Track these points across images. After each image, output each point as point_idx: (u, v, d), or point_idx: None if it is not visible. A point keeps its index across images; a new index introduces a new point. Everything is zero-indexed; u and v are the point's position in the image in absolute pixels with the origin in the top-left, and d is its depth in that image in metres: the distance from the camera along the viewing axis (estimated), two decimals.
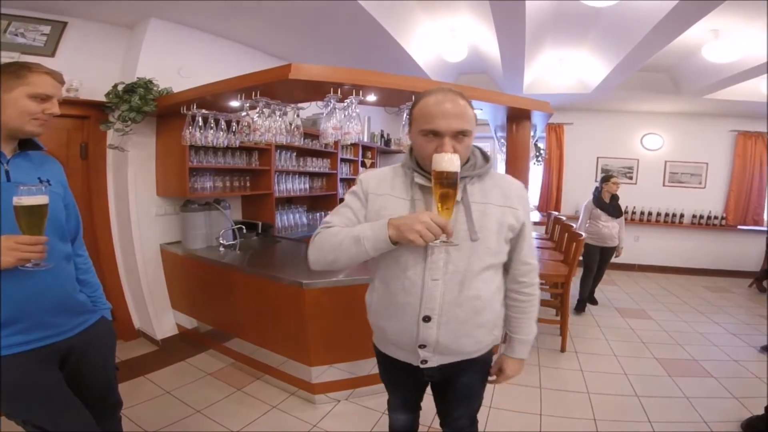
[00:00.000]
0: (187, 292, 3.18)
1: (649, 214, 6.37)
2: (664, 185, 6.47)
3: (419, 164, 1.19)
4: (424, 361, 1.24)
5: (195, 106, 2.62)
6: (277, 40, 3.84)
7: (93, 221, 3.10)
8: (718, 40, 3.63)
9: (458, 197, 1.11)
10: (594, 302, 4.56)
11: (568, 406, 2.56)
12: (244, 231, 3.21)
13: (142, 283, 3.13)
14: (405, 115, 2.34)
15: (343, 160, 5.26)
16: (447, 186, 1.04)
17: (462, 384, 1.34)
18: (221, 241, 3.04)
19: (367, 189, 1.23)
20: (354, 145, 5.49)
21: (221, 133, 2.69)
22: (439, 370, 1.26)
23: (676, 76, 5.13)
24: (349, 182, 5.46)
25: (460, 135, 1.09)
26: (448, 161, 1.03)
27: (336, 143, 4.42)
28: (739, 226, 6.10)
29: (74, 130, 2.99)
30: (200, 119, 2.66)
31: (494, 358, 1.40)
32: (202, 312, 3.13)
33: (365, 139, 5.79)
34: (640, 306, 4.68)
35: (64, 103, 2.72)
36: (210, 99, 2.55)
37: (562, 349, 3.36)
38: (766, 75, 4.13)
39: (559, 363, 3.17)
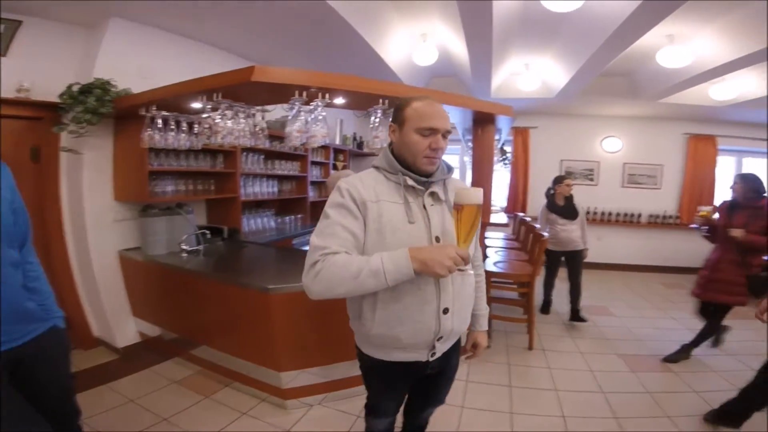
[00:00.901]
0: (148, 299, 3.08)
1: (609, 214, 6.64)
2: (622, 186, 6.76)
3: (405, 164, 1.27)
4: (434, 354, 1.33)
5: (155, 108, 2.55)
6: (247, 42, 3.80)
7: (45, 227, 2.95)
8: (672, 45, 3.80)
9: (442, 197, 1.29)
10: (582, 319, 4.04)
11: (537, 404, 2.62)
12: (208, 236, 3.12)
13: (100, 290, 3.01)
14: (377, 117, 2.34)
15: (313, 162, 5.22)
16: (474, 217, 1.14)
17: (452, 365, 1.49)
18: (183, 247, 2.95)
19: (362, 197, 1.21)
20: (325, 147, 5.46)
21: (183, 135, 2.62)
22: (440, 359, 1.37)
23: (634, 81, 5.38)
24: (319, 185, 5.41)
25: (447, 134, 1.26)
26: (477, 195, 1.14)
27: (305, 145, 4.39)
28: (691, 225, 6.40)
29: (25, 132, 2.83)
30: (160, 121, 2.57)
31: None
32: (165, 319, 3.04)
33: (337, 142, 5.78)
34: (602, 303, 4.86)
35: (14, 103, 2.62)
36: (171, 100, 2.48)
37: (530, 347, 3.45)
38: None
39: (527, 361, 3.25)
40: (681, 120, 6.40)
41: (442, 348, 1.34)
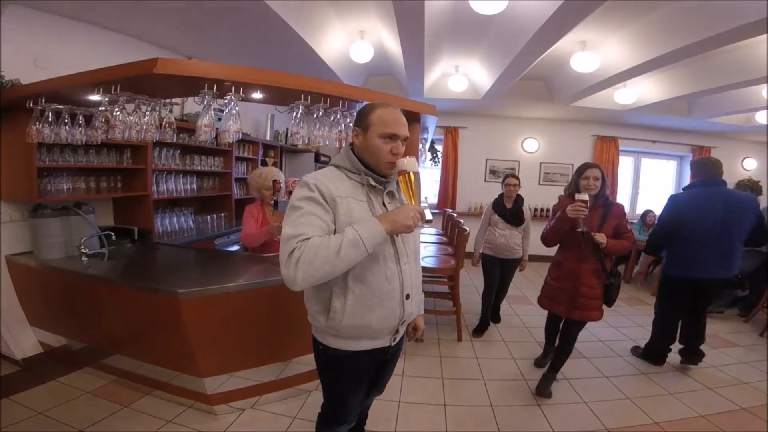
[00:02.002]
0: (47, 307, 2.77)
1: (528, 209, 7.07)
2: (539, 184, 7.29)
3: (366, 166, 1.36)
4: (395, 338, 1.46)
5: (43, 100, 2.28)
6: (174, 36, 3.63)
7: None
8: (584, 51, 4.10)
9: (396, 195, 1.42)
10: (497, 320, 4.09)
11: (467, 395, 2.71)
12: (114, 238, 2.83)
13: None
14: (298, 113, 2.26)
15: (239, 158, 4.96)
16: (415, 181, 1.31)
17: (400, 350, 1.59)
18: (83, 250, 2.64)
19: (332, 193, 1.27)
20: (253, 143, 5.22)
21: (79, 129, 2.35)
22: (397, 343, 1.50)
23: (551, 85, 5.79)
24: (245, 182, 5.14)
25: (405, 140, 1.37)
26: (414, 163, 1.31)
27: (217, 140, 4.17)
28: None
29: None
30: (50, 114, 2.30)
31: None
32: (69, 328, 2.76)
33: (267, 138, 5.55)
34: (523, 293, 5.20)
35: None
36: (64, 92, 2.22)
37: (459, 339, 3.58)
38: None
39: (457, 352, 3.37)
40: (590, 122, 7.03)
41: (401, 331, 1.49)
